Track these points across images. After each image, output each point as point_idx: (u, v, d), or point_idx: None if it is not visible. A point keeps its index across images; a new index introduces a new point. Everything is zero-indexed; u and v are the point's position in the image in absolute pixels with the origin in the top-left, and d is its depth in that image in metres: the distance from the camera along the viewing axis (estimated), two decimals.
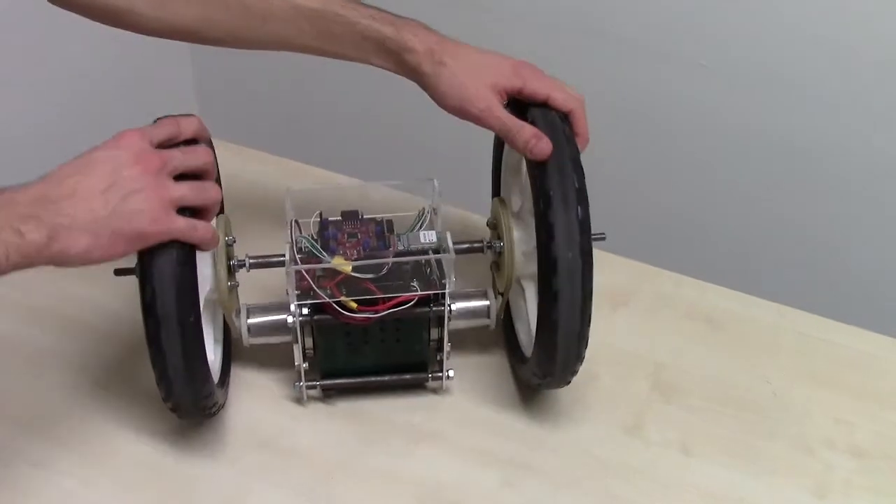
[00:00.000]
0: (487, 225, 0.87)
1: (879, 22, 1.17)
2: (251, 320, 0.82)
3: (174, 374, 0.70)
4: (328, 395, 0.85)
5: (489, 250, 0.84)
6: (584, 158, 0.75)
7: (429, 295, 0.78)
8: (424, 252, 0.80)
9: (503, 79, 0.78)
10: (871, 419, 0.86)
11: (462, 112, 0.78)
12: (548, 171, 0.72)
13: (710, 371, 0.89)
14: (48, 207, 0.63)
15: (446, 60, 0.77)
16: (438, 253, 0.80)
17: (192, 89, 1.68)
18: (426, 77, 0.78)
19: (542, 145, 0.73)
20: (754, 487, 0.80)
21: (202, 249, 0.70)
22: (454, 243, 0.81)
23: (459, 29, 1.31)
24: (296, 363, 0.80)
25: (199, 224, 0.69)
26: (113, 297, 0.91)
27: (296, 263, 0.78)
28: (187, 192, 0.69)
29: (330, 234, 0.81)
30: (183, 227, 0.68)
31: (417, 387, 0.86)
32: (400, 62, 0.79)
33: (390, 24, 0.78)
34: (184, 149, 0.71)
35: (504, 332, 0.89)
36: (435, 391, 0.86)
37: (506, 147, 0.86)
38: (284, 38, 0.79)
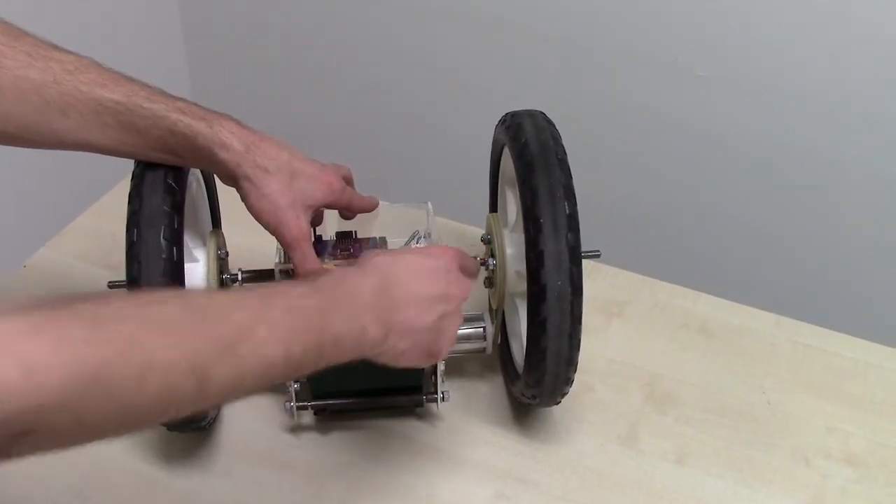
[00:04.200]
0: (482, 240, 0.87)
1: (877, 31, 1.17)
2: None
3: None
4: (320, 417, 0.84)
5: (483, 267, 0.84)
6: (581, 169, 0.75)
7: None
8: None
9: (318, 198, 0.76)
10: (866, 428, 0.85)
11: (274, 232, 0.75)
12: (539, 196, 0.72)
13: (705, 381, 0.89)
14: (389, 309, 0.63)
15: (268, 166, 0.73)
16: None
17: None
18: (246, 181, 0.73)
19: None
20: (750, 497, 0.79)
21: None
22: None
23: (458, 46, 1.31)
24: (287, 382, 0.80)
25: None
26: None
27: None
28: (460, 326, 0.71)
29: (324, 249, 0.81)
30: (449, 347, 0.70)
31: (413, 409, 0.85)
32: (213, 160, 0.72)
33: (202, 118, 0.72)
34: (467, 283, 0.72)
35: (499, 351, 0.88)
36: (431, 412, 0.85)
37: (503, 161, 0.86)
38: (85, 134, 0.71)
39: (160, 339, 0.50)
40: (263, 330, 0.54)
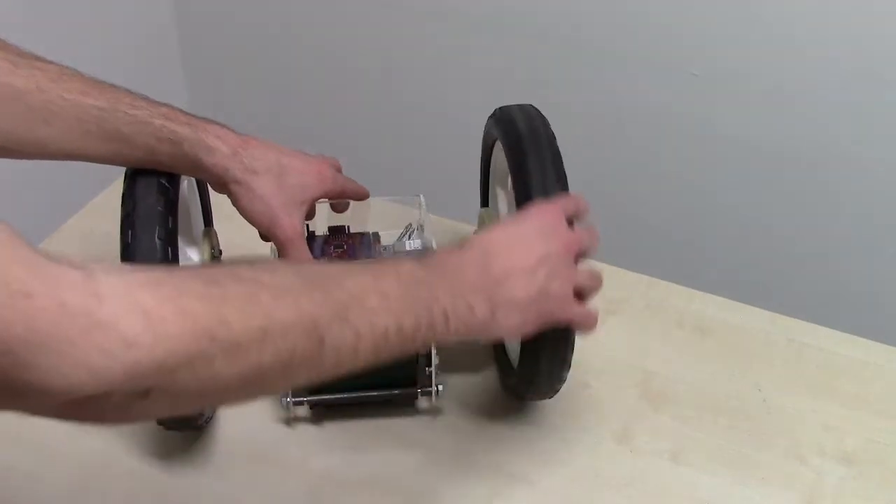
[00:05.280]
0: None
1: (873, 31, 1.17)
2: None
3: None
4: (316, 412, 0.84)
5: None
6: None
7: None
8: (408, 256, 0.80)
9: (310, 191, 0.76)
10: (861, 426, 0.85)
11: (267, 233, 0.75)
12: (532, 192, 0.72)
13: (701, 379, 0.89)
14: (492, 286, 0.62)
15: (257, 167, 0.73)
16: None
17: (184, 103, 1.69)
18: (236, 185, 0.73)
19: None
20: (745, 495, 0.79)
21: (585, 333, 0.71)
22: None
23: (449, 43, 1.31)
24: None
25: (591, 313, 0.70)
26: None
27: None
28: (587, 280, 0.69)
29: (317, 245, 0.81)
30: (579, 313, 0.68)
31: (407, 403, 0.85)
32: (200, 166, 0.72)
33: (186, 123, 0.72)
34: (588, 232, 0.70)
35: (494, 344, 0.88)
36: (425, 406, 0.85)
37: (493, 156, 0.86)
38: (70, 143, 0.70)
39: (276, 299, 0.50)
40: (375, 299, 0.55)
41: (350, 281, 0.55)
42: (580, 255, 0.69)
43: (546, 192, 0.71)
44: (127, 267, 0.45)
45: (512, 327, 0.64)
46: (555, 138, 0.75)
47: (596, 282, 0.70)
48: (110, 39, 1.47)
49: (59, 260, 0.42)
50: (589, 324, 0.70)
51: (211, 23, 1.63)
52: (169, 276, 0.46)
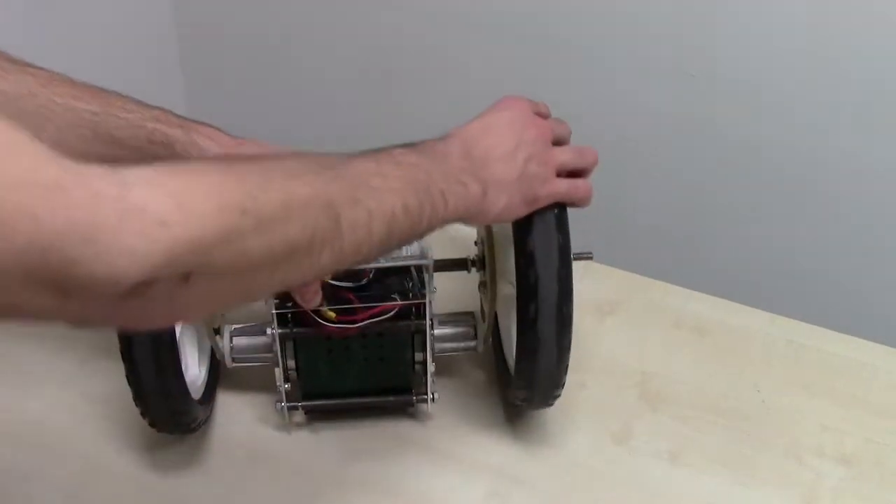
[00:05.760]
0: (475, 243, 0.87)
1: (870, 34, 1.17)
2: (234, 343, 0.81)
3: (149, 390, 0.70)
4: (311, 417, 0.84)
5: (473, 269, 0.83)
6: None
7: (410, 306, 0.78)
8: (406, 264, 0.80)
9: None
10: (860, 427, 0.85)
11: None
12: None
13: (699, 380, 0.89)
14: (477, 168, 0.66)
15: None
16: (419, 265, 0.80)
17: (183, 106, 1.69)
18: None
19: (311, 300, 0.74)
20: (743, 496, 0.79)
21: (581, 206, 0.73)
22: (438, 261, 0.80)
23: (449, 44, 1.31)
24: (277, 383, 0.79)
25: (578, 183, 0.73)
26: None
27: None
28: (570, 157, 0.72)
29: None
30: (566, 188, 0.71)
31: (403, 410, 0.85)
32: None
33: (178, 126, 0.71)
34: (558, 122, 0.75)
35: (493, 351, 0.88)
36: (421, 412, 0.85)
37: None
38: (63, 147, 0.70)
39: (291, 179, 0.52)
40: (378, 181, 0.58)
41: (353, 166, 0.58)
42: (555, 142, 0.72)
43: (543, 210, 0.71)
44: (146, 162, 0.46)
45: (502, 208, 0.67)
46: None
47: (581, 156, 0.74)
48: (109, 43, 1.46)
49: (81, 157, 0.43)
50: (579, 195, 0.73)
51: (210, 23, 1.63)
52: (187, 163, 0.50)
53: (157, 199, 0.43)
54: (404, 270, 0.79)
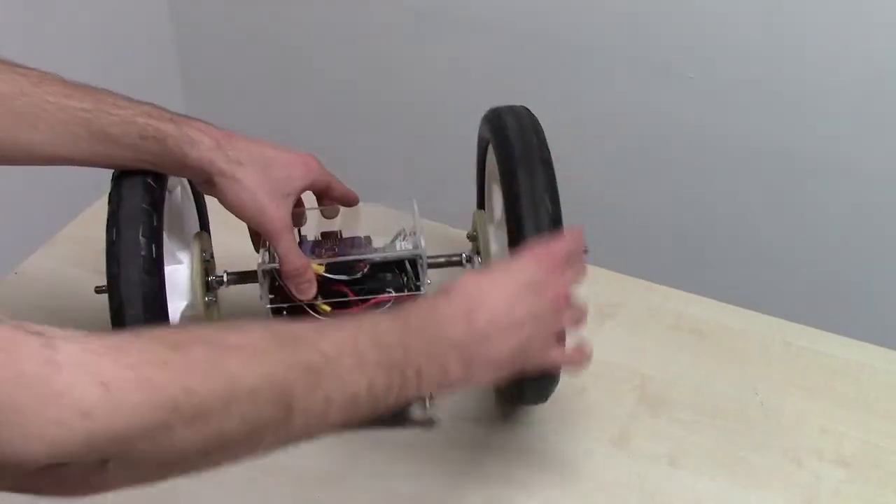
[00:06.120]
0: (468, 237, 0.87)
1: (871, 29, 1.17)
2: None
3: None
4: None
5: (468, 264, 0.83)
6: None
7: (405, 299, 0.77)
8: (399, 256, 0.80)
9: (297, 182, 0.75)
10: (859, 429, 0.85)
11: (255, 224, 0.74)
12: (521, 198, 0.71)
13: (698, 383, 0.89)
14: (473, 343, 0.60)
15: (241, 159, 0.72)
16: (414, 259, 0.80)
17: (181, 106, 1.69)
18: (221, 177, 0.71)
19: (307, 291, 0.74)
20: (743, 499, 0.79)
21: (570, 372, 0.71)
22: (433, 257, 0.80)
23: (443, 45, 1.31)
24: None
25: (573, 355, 0.68)
26: (105, 320, 0.91)
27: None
28: (572, 322, 0.67)
29: (308, 248, 0.81)
30: (559, 359, 0.68)
31: (399, 412, 0.84)
32: (185, 162, 0.71)
33: (169, 120, 0.71)
34: (579, 268, 0.68)
35: None
36: (418, 415, 0.85)
37: (488, 155, 0.86)
38: (57, 147, 0.70)
39: (244, 364, 0.49)
40: (349, 360, 0.54)
41: (325, 341, 0.53)
42: (568, 308, 0.67)
43: (536, 211, 0.71)
44: (87, 334, 0.44)
45: (486, 382, 0.64)
46: (549, 152, 0.74)
47: (582, 318, 0.68)
48: (107, 43, 1.47)
49: (18, 325, 0.41)
50: (573, 363, 0.69)
51: (206, 23, 1.63)
52: (131, 341, 0.45)
53: (85, 388, 0.41)
54: (398, 264, 0.79)
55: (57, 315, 0.93)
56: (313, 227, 0.84)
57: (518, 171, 0.72)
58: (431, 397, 0.82)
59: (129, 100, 0.72)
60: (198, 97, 1.68)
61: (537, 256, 0.65)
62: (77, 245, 1.02)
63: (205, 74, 1.69)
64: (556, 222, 0.71)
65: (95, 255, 0.99)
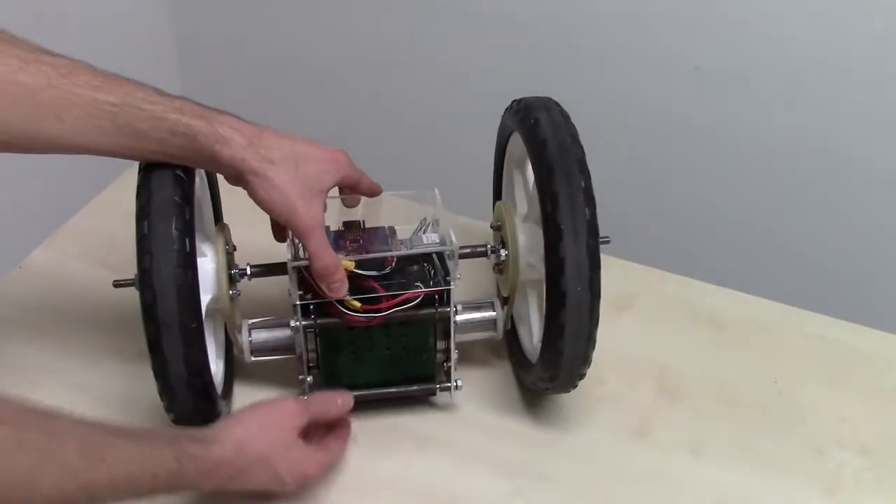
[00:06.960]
0: (491, 227, 0.87)
1: (874, 27, 1.17)
2: (252, 337, 0.81)
3: (176, 383, 0.69)
4: None
5: (493, 255, 0.83)
6: (588, 162, 0.74)
7: (433, 294, 0.77)
8: (431, 250, 0.80)
9: (328, 179, 0.75)
10: (877, 416, 0.85)
11: (286, 223, 0.74)
12: (559, 203, 0.71)
13: (717, 372, 0.89)
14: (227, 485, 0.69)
15: (273, 157, 0.72)
16: (441, 252, 0.80)
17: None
18: (253, 175, 0.71)
19: (339, 289, 0.75)
20: (764, 487, 0.79)
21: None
22: (459, 248, 0.80)
23: (459, 39, 1.30)
24: (300, 376, 0.79)
25: (324, 454, 0.77)
26: (111, 313, 0.91)
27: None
28: (325, 464, 0.77)
29: (332, 240, 0.81)
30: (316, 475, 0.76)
31: (424, 400, 0.85)
32: (215, 159, 0.71)
33: (200, 116, 0.70)
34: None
35: (506, 337, 0.87)
36: (443, 402, 0.85)
37: (510, 146, 0.86)
38: (82, 138, 0.69)
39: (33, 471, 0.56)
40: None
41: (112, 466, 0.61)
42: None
43: (574, 216, 0.71)
44: None
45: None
46: (584, 153, 0.74)
47: (337, 455, 0.79)
48: (107, 42, 1.46)
49: None
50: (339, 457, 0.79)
51: (211, 15, 1.62)
52: None
53: None
54: (426, 258, 0.79)
55: (62, 309, 0.93)
56: (333, 215, 0.84)
57: (556, 177, 0.72)
58: (458, 386, 0.82)
59: (160, 93, 0.71)
60: (198, 97, 1.68)
61: (284, 424, 0.74)
62: (81, 238, 1.02)
63: (205, 74, 1.69)
64: (593, 227, 0.71)
65: (102, 248, 0.99)
